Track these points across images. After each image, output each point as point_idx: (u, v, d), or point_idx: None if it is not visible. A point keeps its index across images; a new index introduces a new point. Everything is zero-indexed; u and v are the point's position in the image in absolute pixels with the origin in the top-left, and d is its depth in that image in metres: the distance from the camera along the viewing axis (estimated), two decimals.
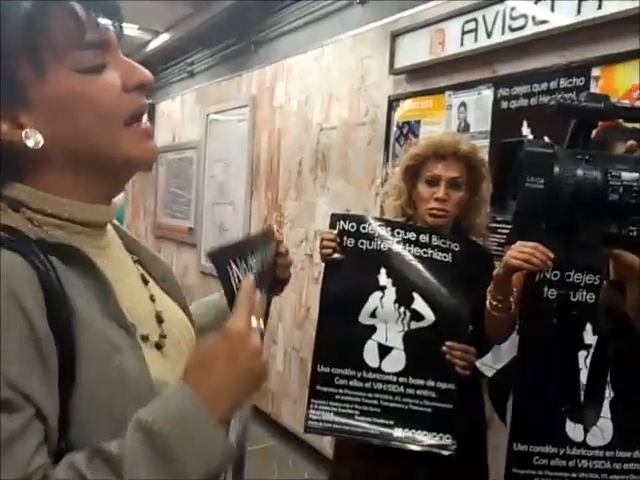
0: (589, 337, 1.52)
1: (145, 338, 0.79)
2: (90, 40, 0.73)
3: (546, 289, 1.62)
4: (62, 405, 0.66)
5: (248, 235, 0.91)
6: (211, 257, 0.85)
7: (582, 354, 1.54)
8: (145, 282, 0.89)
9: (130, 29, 5.26)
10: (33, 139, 0.72)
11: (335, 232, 1.86)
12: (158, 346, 0.80)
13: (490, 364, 2.28)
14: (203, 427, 0.66)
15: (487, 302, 1.75)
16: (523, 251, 1.59)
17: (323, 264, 1.91)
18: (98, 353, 0.69)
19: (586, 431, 1.55)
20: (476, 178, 1.91)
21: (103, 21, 0.76)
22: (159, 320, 0.84)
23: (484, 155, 2.05)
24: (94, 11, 0.74)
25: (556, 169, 0.72)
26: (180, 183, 5.60)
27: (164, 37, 5.47)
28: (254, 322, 0.74)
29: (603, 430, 1.56)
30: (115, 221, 0.98)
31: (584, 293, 1.57)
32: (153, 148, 0.81)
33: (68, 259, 0.71)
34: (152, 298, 0.87)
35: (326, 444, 3.22)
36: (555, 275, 1.62)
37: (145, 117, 0.80)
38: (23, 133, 0.72)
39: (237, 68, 4.69)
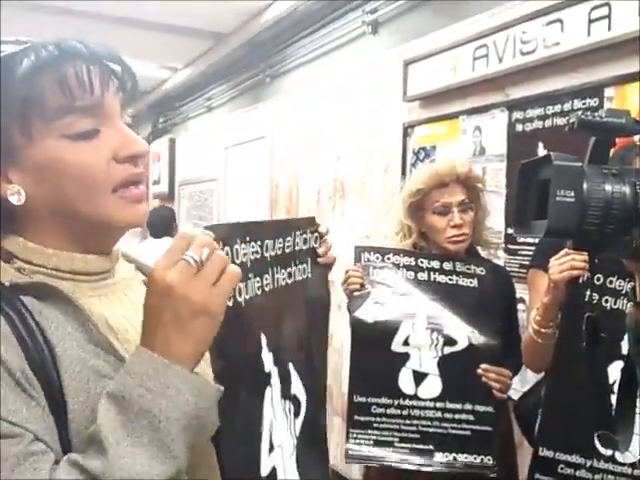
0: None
1: None
2: (81, 106, 0.73)
3: (589, 292, 1.59)
4: (59, 438, 0.67)
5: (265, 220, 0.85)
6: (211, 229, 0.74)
7: (618, 364, 1.51)
8: None
9: (149, 67, 5.38)
10: (16, 196, 0.74)
11: (360, 268, 1.88)
12: None
13: (517, 387, 2.26)
14: (164, 375, 0.65)
15: (531, 331, 1.72)
16: (562, 262, 1.57)
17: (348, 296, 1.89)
18: (81, 381, 0.70)
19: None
20: (476, 195, 1.93)
21: (103, 86, 0.75)
22: None
23: (480, 173, 2.08)
24: (90, 75, 0.74)
25: (585, 184, 0.72)
26: (202, 215, 5.67)
27: (183, 73, 5.59)
28: (190, 254, 0.66)
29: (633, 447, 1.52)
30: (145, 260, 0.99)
31: (625, 301, 1.54)
32: (139, 213, 0.80)
33: (44, 296, 0.73)
34: None
35: (355, 472, 3.20)
36: (598, 279, 1.59)
37: (142, 184, 0.80)
38: (8, 189, 0.73)
39: (253, 101, 4.77)
